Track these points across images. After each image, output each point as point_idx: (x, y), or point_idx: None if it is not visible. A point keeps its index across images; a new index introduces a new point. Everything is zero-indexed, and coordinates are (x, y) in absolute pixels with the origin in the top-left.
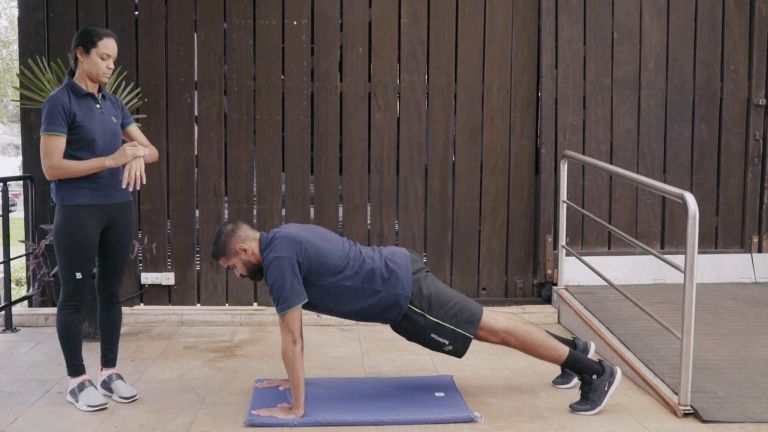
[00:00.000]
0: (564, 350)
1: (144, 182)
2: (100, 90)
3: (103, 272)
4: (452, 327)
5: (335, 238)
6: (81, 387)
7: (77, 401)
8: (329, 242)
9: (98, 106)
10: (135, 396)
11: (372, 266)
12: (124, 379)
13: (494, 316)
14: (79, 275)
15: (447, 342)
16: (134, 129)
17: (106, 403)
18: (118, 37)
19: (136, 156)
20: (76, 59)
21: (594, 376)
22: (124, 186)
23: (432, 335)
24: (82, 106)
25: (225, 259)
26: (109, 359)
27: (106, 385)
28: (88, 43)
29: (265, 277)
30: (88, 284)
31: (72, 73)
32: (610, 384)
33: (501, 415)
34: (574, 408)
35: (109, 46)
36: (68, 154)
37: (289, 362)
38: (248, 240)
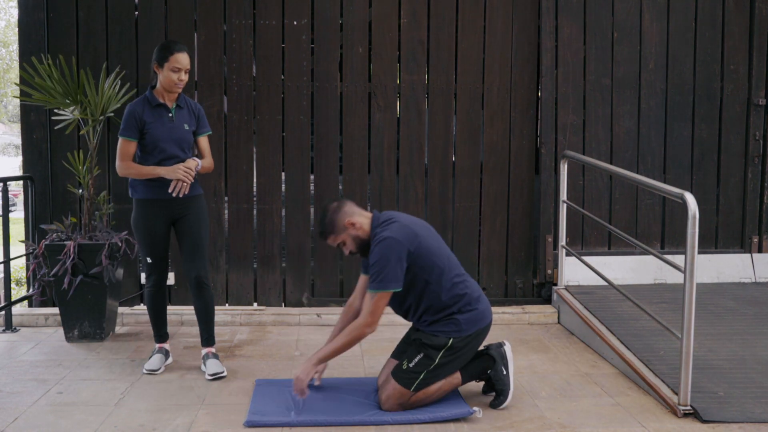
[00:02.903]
0: (455, 375)
1: (186, 192)
2: (180, 100)
3: (183, 260)
4: (426, 375)
5: (444, 244)
6: (151, 353)
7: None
8: (438, 243)
9: (170, 114)
10: (219, 374)
11: (466, 291)
12: (218, 358)
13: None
14: (149, 260)
15: (418, 373)
16: (203, 140)
17: (159, 369)
18: (119, 37)
19: (183, 179)
20: (154, 73)
21: (489, 371)
22: (170, 190)
23: (418, 357)
24: (154, 115)
25: (334, 237)
26: (204, 339)
27: (203, 361)
28: (161, 59)
29: (372, 251)
30: (159, 268)
31: (153, 86)
32: (506, 365)
33: (501, 415)
34: (494, 406)
35: (179, 60)
36: (140, 156)
37: (351, 337)
38: (355, 215)
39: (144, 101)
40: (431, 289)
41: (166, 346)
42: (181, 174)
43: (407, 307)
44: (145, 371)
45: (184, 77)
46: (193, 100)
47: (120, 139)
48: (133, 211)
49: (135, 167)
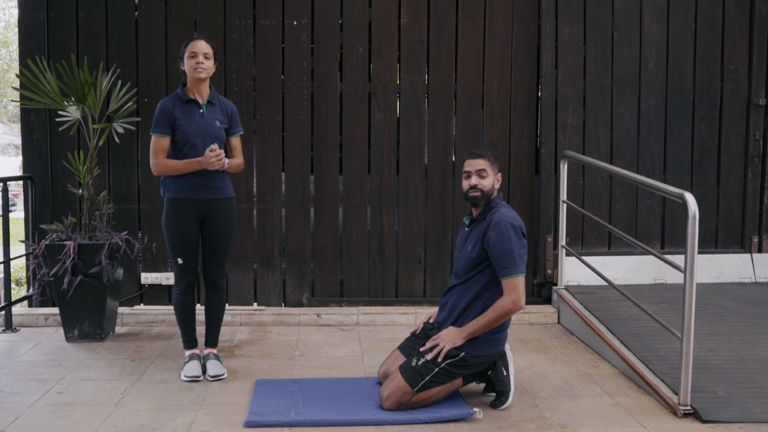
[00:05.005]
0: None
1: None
2: (211, 96)
3: (203, 260)
4: (430, 378)
5: None
6: (186, 360)
7: (181, 372)
8: None
9: (201, 110)
10: (219, 376)
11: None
12: (219, 359)
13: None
14: (180, 260)
15: (424, 373)
16: (235, 140)
17: (200, 377)
18: (119, 37)
19: (217, 164)
20: (183, 71)
21: (489, 372)
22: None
23: (426, 359)
24: (185, 110)
25: (489, 165)
26: (208, 339)
27: (204, 362)
28: (182, 53)
29: (500, 232)
30: (190, 270)
31: (184, 84)
32: (506, 366)
33: (501, 415)
34: (495, 406)
35: (195, 45)
36: (173, 152)
37: (498, 313)
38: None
39: (175, 98)
40: (492, 299)
41: (197, 351)
42: (211, 161)
43: (471, 300)
44: (186, 378)
45: (203, 60)
46: (226, 99)
47: (152, 137)
48: (164, 210)
49: (171, 163)
